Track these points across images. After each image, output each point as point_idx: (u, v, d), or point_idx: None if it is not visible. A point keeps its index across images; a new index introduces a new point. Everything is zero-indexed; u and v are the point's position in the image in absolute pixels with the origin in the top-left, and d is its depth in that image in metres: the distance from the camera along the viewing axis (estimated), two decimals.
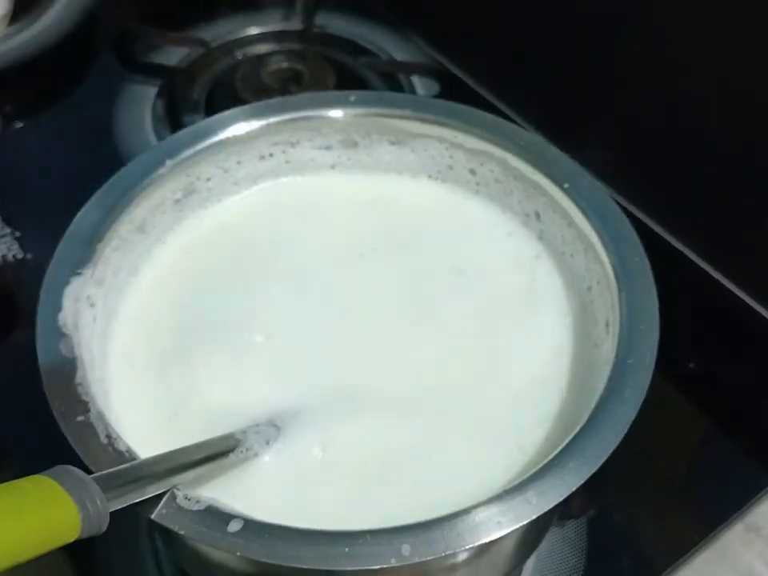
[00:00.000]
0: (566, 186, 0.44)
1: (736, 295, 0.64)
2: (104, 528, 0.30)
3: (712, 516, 0.54)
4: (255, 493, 0.38)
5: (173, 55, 0.80)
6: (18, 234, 0.67)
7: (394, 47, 0.81)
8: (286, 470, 0.39)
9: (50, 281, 0.40)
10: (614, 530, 0.54)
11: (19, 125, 0.79)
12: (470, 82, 0.77)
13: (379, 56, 0.80)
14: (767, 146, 0.58)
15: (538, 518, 0.34)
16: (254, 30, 0.82)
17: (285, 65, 0.77)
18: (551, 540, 0.53)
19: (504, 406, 0.42)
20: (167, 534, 0.43)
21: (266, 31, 0.82)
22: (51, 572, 0.50)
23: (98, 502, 0.29)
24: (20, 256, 0.66)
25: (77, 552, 0.52)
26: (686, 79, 0.61)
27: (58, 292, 0.40)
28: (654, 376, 0.37)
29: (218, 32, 0.82)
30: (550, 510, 0.34)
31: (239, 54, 0.81)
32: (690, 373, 0.60)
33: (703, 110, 0.61)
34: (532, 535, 0.43)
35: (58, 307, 0.39)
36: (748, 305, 0.64)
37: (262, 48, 0.81)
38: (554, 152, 0.46)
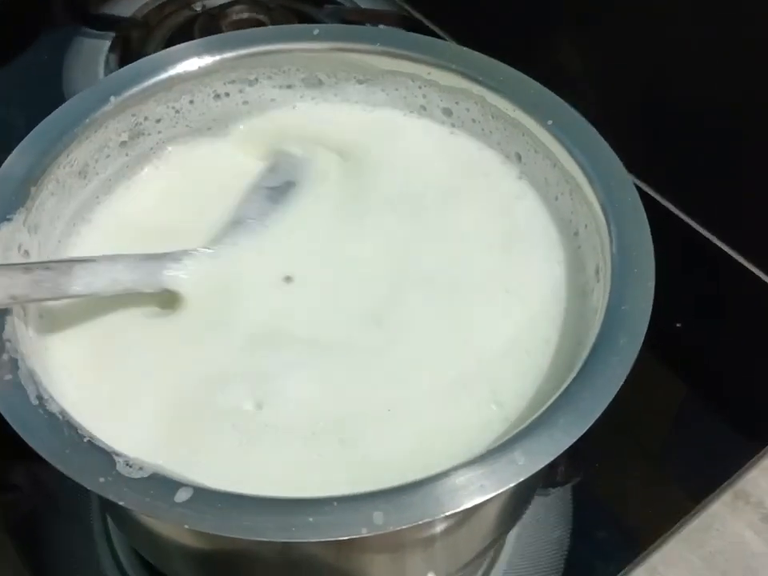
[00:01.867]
0: (549, 122, 0.40)
1: (723, 251, 0.61)
2: None
3: (700, 484, 0.52)
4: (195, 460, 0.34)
5: (127, 6, 0.76)
6: None
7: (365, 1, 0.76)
8: (223, 431, 0.35)
9: None
10: (600, 499, 0.51)
11: None
12: (438, 30, 0.74)
13: (343, 4, 0.76)
14: (751, 98, 0.55)
15: (525, 481, 0.30)
16: None
17: (245, 15, 0.73)
18: (535, 509, 0.50)
19: (483, 361, 0.38)
20: (115, 511, 0.39)
21: None
22: None
23: None
24: None
25: (24, 537, 0.48)
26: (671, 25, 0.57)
27: None
28: None
29: None
30: (538, 473, 0.30)
31: (198, 6, 0.76)
32: (677, 332, 0.57)
33: (689, 58, 0.58)
34: (517, 502, 0.40)
35: None
36: (736, 261, 0.61)
37: None
38: (535, 87, 0.42)
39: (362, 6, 0.75)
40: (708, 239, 0.62)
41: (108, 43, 0.73)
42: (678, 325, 0.57)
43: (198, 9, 0.76)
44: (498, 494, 0.30)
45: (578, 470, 0.50)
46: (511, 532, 0.48)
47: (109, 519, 0.47)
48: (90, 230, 0.42)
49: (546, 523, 0.49)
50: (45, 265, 0.35)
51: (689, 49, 0.57)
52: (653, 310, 0.34)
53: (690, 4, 0.55)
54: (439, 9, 0.73)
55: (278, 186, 0.44)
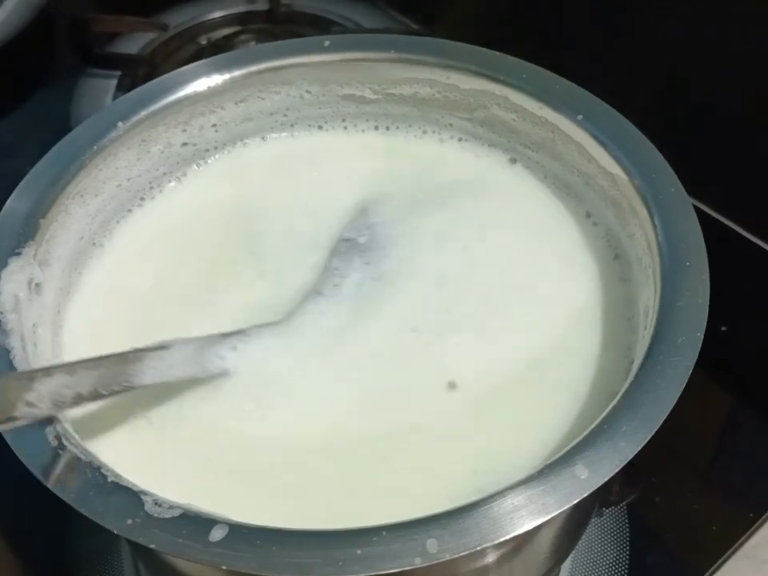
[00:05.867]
0: (579, 117, 0.38)
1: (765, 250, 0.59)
2: None
3: (758, 497, 0.48)
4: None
5: (131, 44, 0.75)
6: None
7: (364, 18, 0.75)
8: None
9: None
10: (659, 516, 0.48)
11: None
12: None
13: (349, 28, 0.74)
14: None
15: (588, 497, 0.27)
16: (217, 14, 0.77)
17: (253, 44, 0.71)
18: (589, 532, 0.46)
19: (527, 378, 0.35)
20: (146, 556, 0.37)
21: (231, 13, 0.77)
22: None
23: None
24: None
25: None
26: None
27: None
28: None
29: (180, 18, 0.77)
30: (602, 486, 0.28)
31: (203, 39, 0.75)
32: (722, 335, 0.54)
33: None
34: (576, 522, 0.37)
35: None
36: None
37: (227, 31, 0.75)
38: (560, 82, 0.40)
39: (365, 27, 0.73)
40: (749, 239, 0.59)
41: (114, 82, 0.72)
42: (723, 328, 0.54)
43: (204, 42, 0.75)
44: (560, 513, 0.27)
45: (632, 487, 0.47)
46: None
47: (141, 567, 0.45)
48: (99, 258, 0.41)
49: (602, 546, 0.46)
50: (112, 358, 0.32)
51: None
52: None
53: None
54: (446, 27, 0.72)
55: (363, 242, 0.40)
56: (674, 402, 0.29)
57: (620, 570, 0.46)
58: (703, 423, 0.53)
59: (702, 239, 0.33)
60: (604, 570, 0.46)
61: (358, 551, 0.26)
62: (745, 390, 0.55)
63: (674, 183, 0.35)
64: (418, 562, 0.26)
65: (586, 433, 0.28)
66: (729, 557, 0.47)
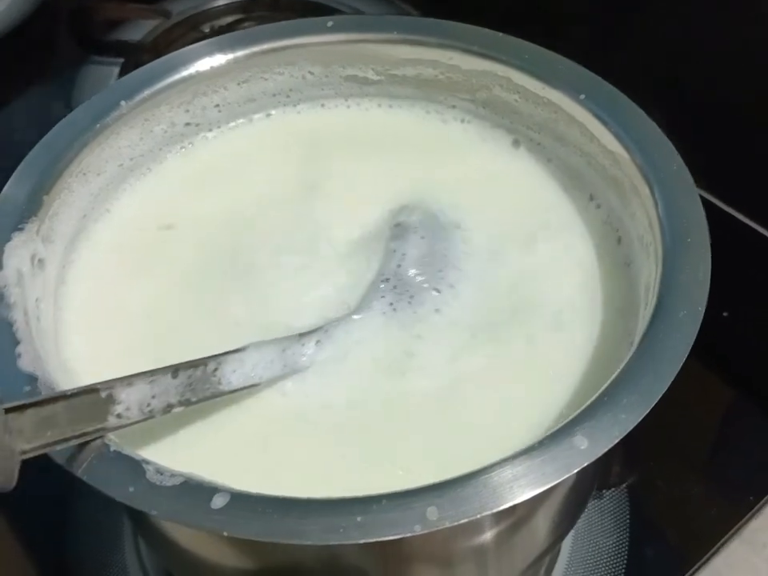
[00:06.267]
0: (581, 97, 0.38)
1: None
2: (12, 482, 0.24)
3: (760, 481, 0.48)
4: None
5: (134, 31, 0.75)
6: None
7: (366, 5, 0.75)
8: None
9: None
10: (659, 500, 0.48)
11: None
12: None
13: (349, 14, 0.74)
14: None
15: (586, 469, 0.27)
16: (221, 1, 0.77)
17: None
18: (589, 514, 0.47)
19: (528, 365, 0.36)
20: (148, 531, 0.37)
21: (234, 1, 0.77)
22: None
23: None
24: None
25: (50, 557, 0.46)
26: None
27: None
28: None
29: (183, 6, 0.77)
30: (601, 458, 0.28)
31: (206, 27, 0.75)
32: (723, 321, 0.55)
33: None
34: (577, 496, 0.37)
35: None
36: None
37: (229, 19, 0.76)
38: (563, 62, 0.40)
39: (366, 12, 0.73)
40: (751, 227, 0.59)
41: (117, 70, 0.72)
42: (724, 314, 0.54)
43: (207, 30, 0.75)
44: (559, 484, 0.27)
45: (632, 469, 0.48)
46: (566, 540, 0.46)
47: (141, 544, 0.45)
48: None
49: (602, 528, 0.47)
50: (191, 364, 0.31)
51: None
52: None
53: None
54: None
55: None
56: (674, 375, 0.29)
57: (620, 552, 0.46)
58: (703, 409, 0.53)
59: (704, 215, 0.33)
60: (604, 551, 0.46)
61: (359, 518, 0.26)
62: (746, 375, 0.55)
63: (675, 160, 0.35)
64: (418, 530, 0.26)
65: (586, 404, 0.28)
66: (728, 540, 0.47)
